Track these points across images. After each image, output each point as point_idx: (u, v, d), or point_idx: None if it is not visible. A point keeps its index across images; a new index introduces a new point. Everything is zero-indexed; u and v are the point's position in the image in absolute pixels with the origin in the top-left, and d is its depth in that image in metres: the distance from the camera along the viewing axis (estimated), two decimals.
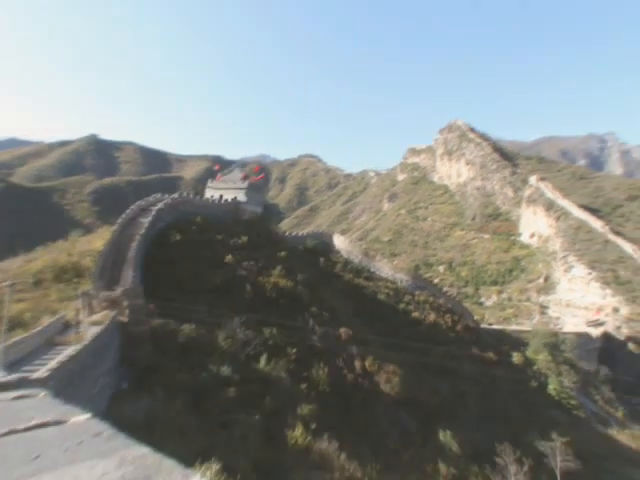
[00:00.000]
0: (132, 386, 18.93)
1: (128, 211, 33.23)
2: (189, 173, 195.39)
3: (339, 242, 53.75)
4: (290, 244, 43.46)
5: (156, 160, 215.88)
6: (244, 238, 33.00)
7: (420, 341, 35.00)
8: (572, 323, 71.20)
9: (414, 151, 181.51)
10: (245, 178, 49.05)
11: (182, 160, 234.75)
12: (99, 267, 22.46)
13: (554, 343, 54.79)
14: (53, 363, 9.92)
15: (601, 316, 68.39)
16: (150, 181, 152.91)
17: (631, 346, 62.92)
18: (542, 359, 46.99)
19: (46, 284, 25.28)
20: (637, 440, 42.41)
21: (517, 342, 53.06)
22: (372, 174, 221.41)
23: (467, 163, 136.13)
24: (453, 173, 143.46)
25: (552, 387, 42.72)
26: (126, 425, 14.12)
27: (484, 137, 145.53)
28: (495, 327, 59.75)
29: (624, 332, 65.42)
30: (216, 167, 61.73)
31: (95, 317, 22.55)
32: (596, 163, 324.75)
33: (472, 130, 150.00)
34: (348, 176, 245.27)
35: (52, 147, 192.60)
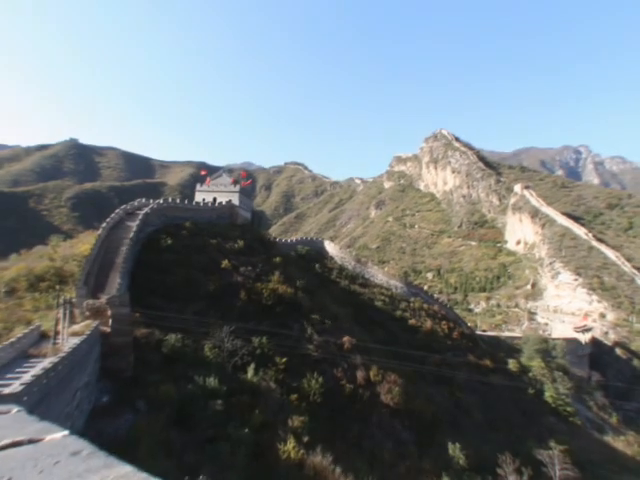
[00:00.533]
0: (113, 400, 17.59)
1: (113, 215, 31.31)
2: (173, 179, 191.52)
3: (331, 248, 52.61)
4: (281, 250, 42.12)
5: (139, 166, 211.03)
6: (240, 242, 31.45)
7: (419, 349, 34.07)
8: (560, 329, 71.77)
9: (400, 159, 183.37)
10: (235, 183, 47.57)
11: (166, 166, 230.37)
12: (84, 273, 20.57)
13: (545, 349, 54.83)
14: (27, 377, 9.15)
15: (588, 322, 69.16)
16: (133, 186, 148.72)
17: (619, 351, 63.71)
18: (536, 365, 46.70)
19: (20, 293, 23.40)
20: (632, 446, 42.29)
21: (510, 349, 52.73)
22: (358, 182, 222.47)
23: (453, 171, 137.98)
24: (439, 181, 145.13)
25: (548, 394, 42.32)
26: (107, 442, 13.14)
27: (469, 146, 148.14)
28: (489, 334, 59.38)
29: (611, 338, 66.36)
30: (202, 172, 59.78)
31: (76, 327, 20.63)
32: (573, 173, 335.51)
33: (457, 139, 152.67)
34: (334, 184, 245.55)
35: (29, 151, 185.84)
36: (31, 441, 1.52)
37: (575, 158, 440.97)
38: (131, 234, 25.72)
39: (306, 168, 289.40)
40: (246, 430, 19.03)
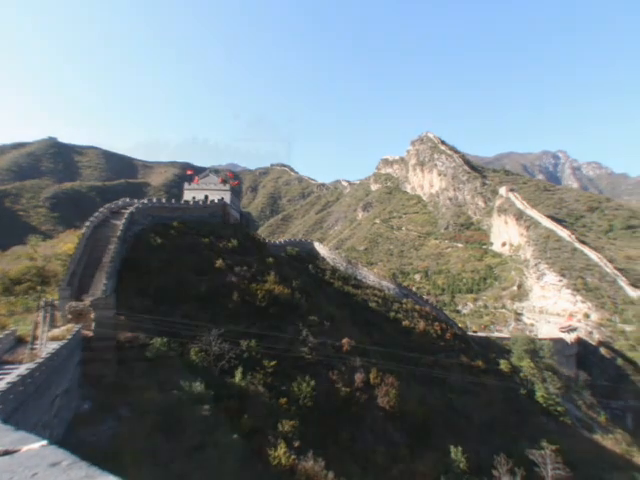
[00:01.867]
0: (95, 407, 16.70)
1: (98, 213, 29.74)
2: (157, 179, 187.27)
3: (322, 249, 51.82)
4: (271, 251, 41.08)
5: (121, 166, 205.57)
6: (234, 241, 30.28)
7: (414, 350, 33.57)
8: (546, 329, 72.80)
9: (387, 162, 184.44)
10: (224, 182, 46.28)
11: (149, 166, 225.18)
12: (69, 273, 19.15)
13: (533, 349, 55.39)
14: (2, 384, 8.65)
15: (573, 322, 70.36)
16: (115, 186, 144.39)
17: (603, 351, 64.95)
18: (526, 366, 46.97)
19: None
20: (620, 444, 42.87)
21: (500, 349, 52.97)
22: (345, 184, 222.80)
23: (439, 174, 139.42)
24: (425, 183, 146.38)
25: (539, 394, 42.50)
26: (89, 451, 12.45)
27: (454, 149, 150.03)
28: (480, 334, 59.58)
29: (596, 337, 67.66)
30: (188, 172, 57.96)
31: (56, 331, 19.28)
32: (553, 178, 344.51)
33: (442, 142, 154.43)
34: (321, 186, 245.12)
35: (5, 149, 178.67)
36: (7, 452, 1.42)
37: (554, 163, 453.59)
38: (118, 232, 24.31)
39: (292, 170, 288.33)
40: (235, 436, 18.41)
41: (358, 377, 25.70)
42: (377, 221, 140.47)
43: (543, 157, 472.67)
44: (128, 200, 37.66)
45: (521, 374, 45.58)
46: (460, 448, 26.75)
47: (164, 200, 40.97)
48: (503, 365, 44.91)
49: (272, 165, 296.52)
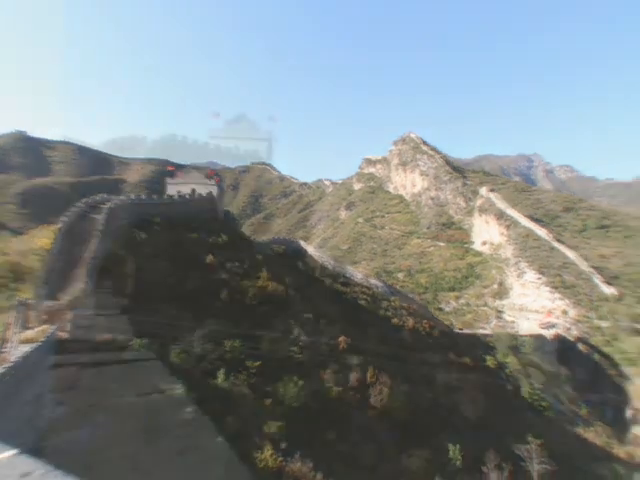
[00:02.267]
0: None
1: (75, 208, 27.86)
2: (134, 176, 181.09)
3: (309, 247, 51.02)
4: (257, 249, 39.93)
5: (95, 162, 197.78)
6: (224, 237, 28.99)
7: (404, 348, 33.27)
8: (526, 326, 74.51)
9: (370, 161, 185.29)
10: (209, 178, 44.73)
11: (125, 163, 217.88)
12: (46, 269, 17.51)
13: (516, 346, 56.48)
14: None
15: (552, 318, 72.27)
16: (90, 183, 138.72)
17: (581, 346, 66.99)
18: (511, 362, 47.70)
19: None
20: (601, 437, 44.08)
21: (485, 346, 53.64)
22: (328, 183, 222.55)
23: (421, 174, 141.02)
24: (408, 183, 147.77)
25: (525, 390, 43.15)
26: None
27: (435, 150, 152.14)
28: (466, 332, 60.22)
29: (574, 333, 69.72)
30: (169, 168, 55.83)
31: (29, 333, 17.69)
32: (527, 180, 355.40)
33: (424, 143, 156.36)
34: (303, 185, 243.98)
35: None
36: None
37: (528, 166, 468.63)
38: (99, 227, 22.68)
39: (274, 169, 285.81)
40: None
41: (354, 376, 25.01)
42: (360, 220, 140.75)
43: (519, 160, 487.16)
44: (106, 196, 35.84)
45: (507, 370, 46.22)
46: (458, 446, 26.44)
47: (144, 196, 39.35)
48: (489, 362, 45.41)
49: (253, 163, 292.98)
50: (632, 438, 49.05)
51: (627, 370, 61.74)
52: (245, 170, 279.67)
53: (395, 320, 39.73)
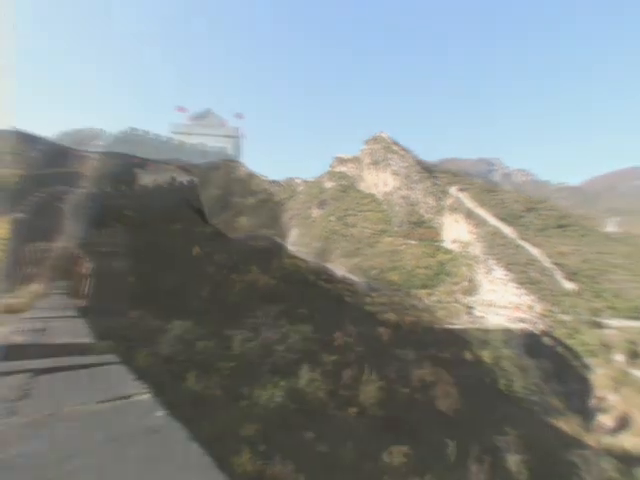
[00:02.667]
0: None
1: (34, 198, 24.78)
2: (93, 170, 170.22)
3: (288, 243, 49.47)
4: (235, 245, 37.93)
5: (49, 154, 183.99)
6: (210, 227, 26.95)
7: (391, 344, 32.79)
8: (495, 321, 77.20)
9: (341, 160, 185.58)
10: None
11: (82, 156, 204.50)
12: (9, 262, 14.94)
13: (489, 340, 58.12)
14: None
15: (521, 313, 75.34)
16: (45, 176, 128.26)
17: (546, 339, 70.22)
18: (490, 356, 48.81)
19: None
20: (571, 425, 46.00)
21: (464, 340, 54.59)
22: (299, 181, 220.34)
23: (393, 173, 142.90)
24: (380, 182, 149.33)
25: (503, 382, 44.20)
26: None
27: (406, 150, 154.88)
28: (446, 327, 61.09)
29: (540, 327, 73.02)
30: (179, 110, 49.15)
31: None
32: (489, 183, 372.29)
33: (395, 143, 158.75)
34: (273, 183, 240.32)
35: None
36: None
37: (489, 169, 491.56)
38: (67, 217, 20.03)
39: (242, 166, 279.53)
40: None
41: (348, 374, 24.00)
42: (332, 219, 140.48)
43: (480, 163, 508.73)
44: (69, 187, 32.67)
45: (488, 364, 47.21)
46: (454, 442, 26.07)
47: (109, 189, 36.26)
48: (469, 355, 46.15)
49: (221, 160, 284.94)
50: (597, 425, 51.78)
51: (589, 361, 65.33)
52: (214, 167, 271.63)
53: (380, 316, 39.29)
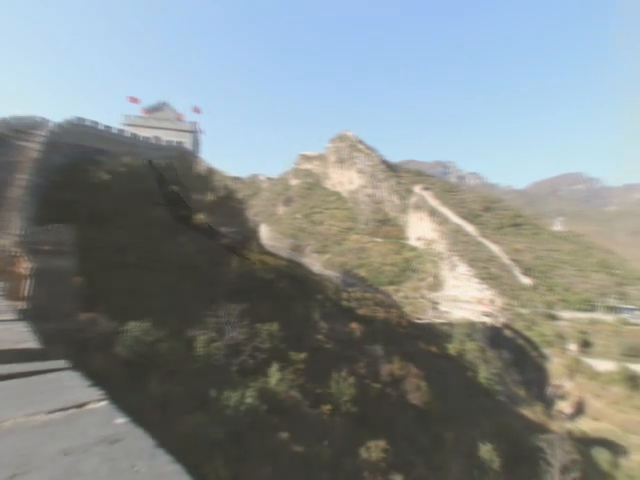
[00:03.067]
0: None
1: None
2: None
3: (264, 234, 47.13)
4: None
5: None
6: (211, 195, 24.33)
7: (377, 340, 31.73)
8: (459, 315, 79.37)
9: (306, 157, 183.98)
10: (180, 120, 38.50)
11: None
12: None
13: (456, 334, 59.33)
14: None
15: (485, 307, 78.04)
16: None
17: (507, 332, 73.20)
18: (469, 349, 49.68)
19: None
20: (537, 414, 47.92)
21: (442, 334, 55.34)
22: (263, 178, 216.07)
23: (358, 172, 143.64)
24: (345, 180, 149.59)
25: (482, 376, 44.91)
26: None
27: (371, 149, 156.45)
28: (425, 321, 61.53)
29: (501, 320, 76.02)
30: (132, 100, 45.03)
31: None
32: (448, 184, 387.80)
33: (360, 142, 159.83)
34: (236, 179, 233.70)
35: None
36: None
37: (444, 172, 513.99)
38: (32, 157, 16.44)
39: (202, 162, 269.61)
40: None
41: (319, 371, 22.53)
42: (298, 216, 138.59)
43: (436, 166, 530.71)
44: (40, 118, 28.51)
45: (466, 357, 47.84)
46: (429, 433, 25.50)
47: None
48: (451, 349, 46.52)
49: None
50: (557, 412, 54.36)
51: (546, 351, 68.81)
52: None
53: (362, 311, 38.16)
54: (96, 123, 33.47)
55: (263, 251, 45.62)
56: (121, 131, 34.74)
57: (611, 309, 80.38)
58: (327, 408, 28.22)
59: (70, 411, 1.89)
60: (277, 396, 26.15)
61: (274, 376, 27.07)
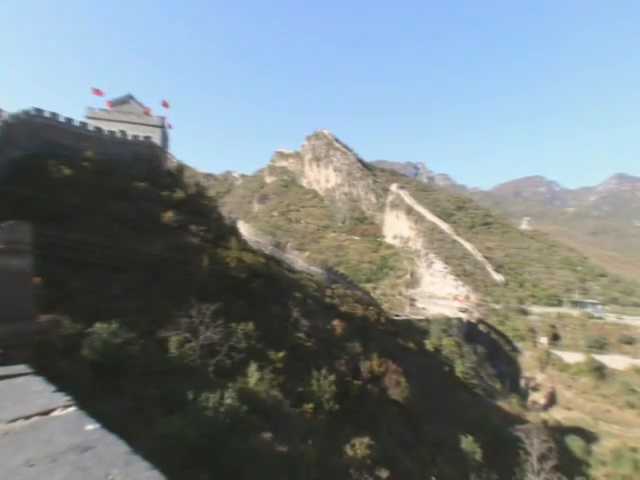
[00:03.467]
0: None
1: None
2: None
3: (245, 230, 45.31)
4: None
5: None
6: (181, 193, 22.54)
7: (357, 337, 30.98)
8: (436, 311, 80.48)
9: (282, 155, 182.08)
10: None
11: None
12: None
13: (433, 329, 59.93)
14: None
15: (461, 303, 79.45)
16: None
17: (481, 327, 74.89)
18: (447, 344, 49.96)
19: None
20: (514, 406, 48.97)
21: (419, 331, 55.39)
22: (237, 175, 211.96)
23: (335, 170, 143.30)
24: (322, 178, 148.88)
25: (459, 370, 45.15)
26: None
27: (348, 148, 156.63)
28: (402, 318, 61.37)
29: (475, 316, 77.71)
30: (96, 92, 41.68)
31: None
32: (421, 184, 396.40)
33: (337, 140, 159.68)
34: (208, 176, 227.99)
35: None
36: None
37: (415, 172, 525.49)
38: None
39: (173, 157, 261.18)
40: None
41: (299, 369, 21.64)
42: (275, 214, 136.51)
43: (407, 167, 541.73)
44: None
45: (443, 352, 48.01)
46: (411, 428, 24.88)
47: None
48: (429, 345, 46.52)
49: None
50: (531, 402, 55.91)
51: (518, 345, 70.86)
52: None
53: (344, 308, 37.32)
54: (56, 115, 30.80)
55: (243, 248, 43.85)
56: (84, 124, 32.19)
57: (576, 304, 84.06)
58: (309, 407, 27.40)
59: (34, 419, 1.81)
60: (257, 396, 25.03)
61: (253, 376, 26.00)
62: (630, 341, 66.89)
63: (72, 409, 2.01)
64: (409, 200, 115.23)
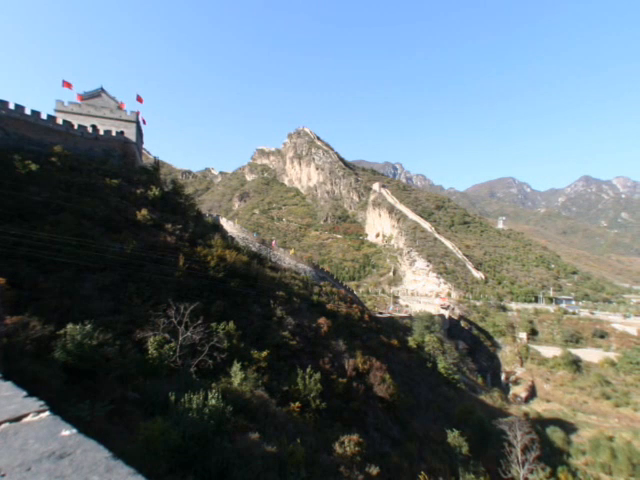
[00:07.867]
0: None
1: None
2: None
3: (230, 227, 43.75)
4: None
5: None
6: (155, 190, 20.98)
7: (341, 334, 30.34)
8: (418, 308, 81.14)
9: (263, 152, 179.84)
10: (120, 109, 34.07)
11: None
12: None
13: (416, 326, 60.21)
14: None
15: (443, 300, 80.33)
16: None
17: (463, 323, 75.98)
18: (429, 340, 50.00)
19: None
20: (496, 400, 49.65)
21: (402, 328, 55.32)
22: (216, 172, 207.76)
23: (317, 168, 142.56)
24: (303, 176, 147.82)
25: (441, 366, 45.29)
26: None
27: (329, 146, 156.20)
28: (385, 315, 61.15)
29: (457, 312, 78.83)
30: (66, 85, 38.93)
31: None
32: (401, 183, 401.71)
33: (318, 138, 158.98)
34: (187, 173, 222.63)
35: None
36: None
37: (393, 173, 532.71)
38: None
39: (149, 153, 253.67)
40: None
41: (284, 368, 20.87)
42: (256, 212, 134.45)
43: (385, 167, 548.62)
44: None
45: (426, 349, 48.08)
46: (397, 424, 24.45)
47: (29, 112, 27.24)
48: (411, 342, 46.45)
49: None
50: (512, 397, 56.98)
51: (499, 340, 72.28)
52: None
53: (330, 306, 36.58)
54: (22, 107, 28.66)
55: (227, 245, 42.42)
56: (53, 118, 30.15)
57: (551, 300, 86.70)
58: (296, 405, 26.75)
59: (4, 425, 1.77)
60: (242, 396, 24.12)
61: (237, 376, 25.11)
62: (603, 335, 69.41)
63: (46, 414, 1.90)
64: (391, 199, 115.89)
